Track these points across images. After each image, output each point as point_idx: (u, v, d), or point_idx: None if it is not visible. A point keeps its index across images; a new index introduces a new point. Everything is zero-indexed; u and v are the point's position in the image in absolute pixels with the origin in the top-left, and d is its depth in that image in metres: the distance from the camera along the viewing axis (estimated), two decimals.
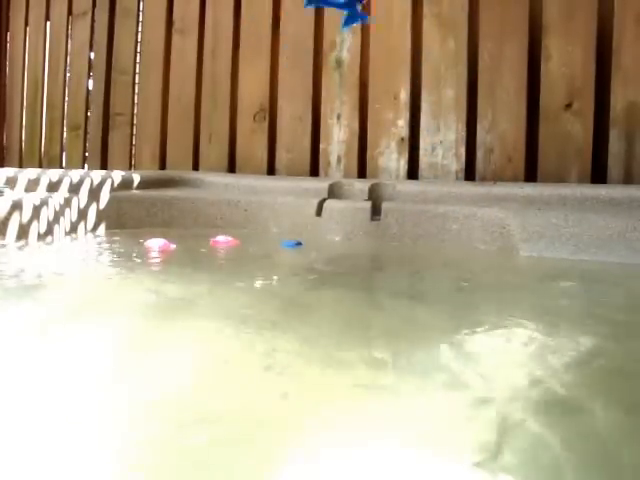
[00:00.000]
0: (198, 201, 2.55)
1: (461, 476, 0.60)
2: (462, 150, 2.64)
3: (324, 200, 2.42)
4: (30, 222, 2.01)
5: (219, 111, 3.20)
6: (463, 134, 2.64)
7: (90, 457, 0.63)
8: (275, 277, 1.69)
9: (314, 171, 2.95)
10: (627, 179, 2.34)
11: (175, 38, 3.33)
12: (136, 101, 3.47)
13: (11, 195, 2.10)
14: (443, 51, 2.68)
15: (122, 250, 2.03)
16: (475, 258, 2.02)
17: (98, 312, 1.22)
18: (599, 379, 0.88)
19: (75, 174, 2.47)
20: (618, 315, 1.28)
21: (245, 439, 0.67)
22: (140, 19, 3.48)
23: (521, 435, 0.68)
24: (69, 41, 3.71)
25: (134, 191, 2.60)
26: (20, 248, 1.92)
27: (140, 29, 3.48)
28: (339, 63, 2.91)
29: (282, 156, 3.02)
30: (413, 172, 2.74)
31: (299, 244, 2.14)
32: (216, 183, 2.77)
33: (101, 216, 2.42)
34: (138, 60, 3.47)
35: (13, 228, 1.95)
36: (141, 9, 3.47)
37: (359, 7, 1.42)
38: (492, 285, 1.62)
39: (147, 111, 3.41)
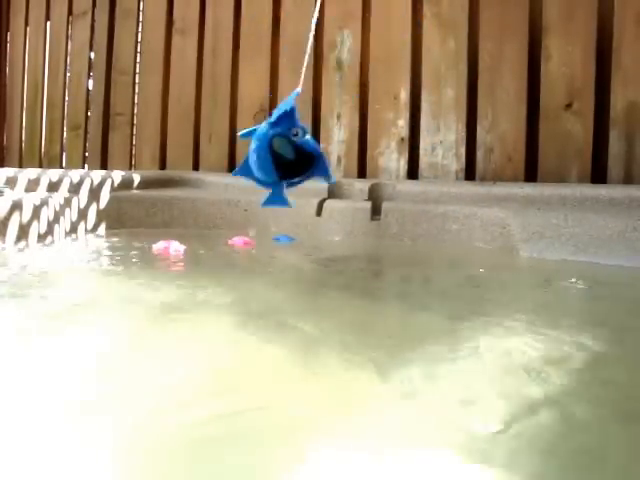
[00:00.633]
0: (198, 201, 2.55)
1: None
2: (462, 150, 2.64)
3: (324, 200, 2.42)
4: (30, 222, 2.01)
5: (219, 111, 3.20)
6: (463, 134, 2.64)
7: (98, 457, 0.63)
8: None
9: None
10: (627, 179, 2.34)
11: (175, 38, 3.33)
12: (136, 101, 3.47)
13: (11, 195, 2.10)
14: (443, 51, 2.68)
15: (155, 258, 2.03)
16: (475, 258, 2.01)
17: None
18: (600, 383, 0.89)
19: (75, 174, 2.47)
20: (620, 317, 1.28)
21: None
22: (140, 19, 3.48)
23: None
24: (69, 41, 3.71)
25: (134, 191, 2.60)
26: (21, 249, 1.92)
27: (140, 29, 3.48)
28: (339, 63, 2.91)
29: None
30: (413, 172, 2.74)
31: (291, 239, 2.19)
32: (216, 183, 2.77)
33: (101, 216, 2.42)
34: (138, 60, 3.47)
35: (13, 228, 1.95)
36: (141, 9, 3.47)
37: (285, 192, 1.35)
38: (492, 285, 1.62)
39: (147, 111, 3.41)
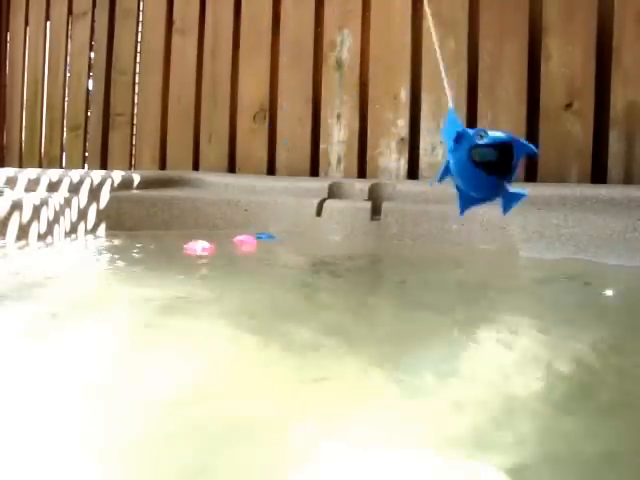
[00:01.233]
0: (198, 201, 2.55)
1: None
2: None
3: (324, 200, 2.42)
4: (30, 222, 2.01)
5: (219, 111, 3.19)
6: None
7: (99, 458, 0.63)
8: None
9: (314, 171, 2.94)
10: (627, 179, 2.34)
11: (175, 38, 3.33)
12: (136, 101, 3.47)
13: (11, 195, 2.10)
14: (443, 51, 2.67)
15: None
16: (475, 258, 2.01)
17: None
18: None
19: (75, 174, 2.47)
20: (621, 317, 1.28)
21: None
22: (140, 19, 3.48)
23: None
24: (69, 41, 3.70)
25: (134, 191, 2.59)
26: (21, 248, 1.92)
27: (140, 29, 3.47)
28: (339, 63, 2.91)
29: (282, 156, 3.02)
30: (413, 172, 2.74)
31: (271, 237, 2.25)
32: (216, 183, 2.77)
33: (101, 216, 2.41)
34: (138, 60, 3.47)
35: (13, 228, 1.95)
36: (141, 9, 3.47)
37: (510, 186, 1.24)
38: (492, 285, 1.62)
39: (147, 111, 3.41)
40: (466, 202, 1.25)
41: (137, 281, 1.56)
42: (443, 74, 1.25)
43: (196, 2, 3.26)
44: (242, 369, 0.91)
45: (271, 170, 3.04)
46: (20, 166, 3.74)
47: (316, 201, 2.40)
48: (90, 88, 3.62)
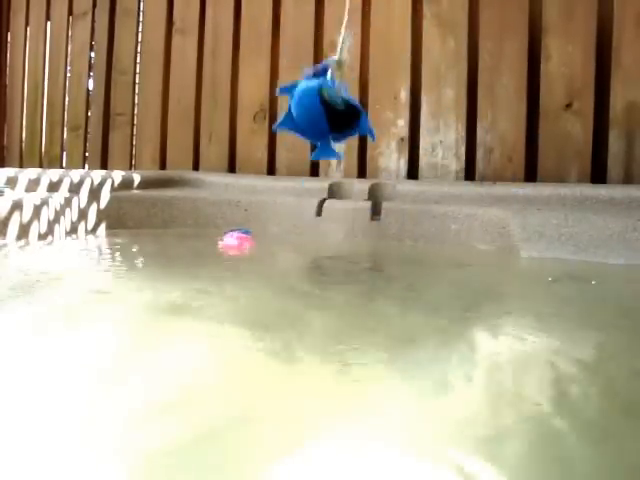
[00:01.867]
0: (198, 201, 2.55)
1: None
2: (462, 150, 2.64)
3: (324, 200, 2.42)
4: (30, 222, 2.01)
5: (219, 111, 3.20)
6: (463, 134, 2.64)
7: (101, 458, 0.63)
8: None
9: (314, 171, 2.95)
10: (627, 179, 2.34)
11: (175, 38, 3.33)
12: (136, 101, 3.47)
13: (11, 195, 2.10)
14: (443, 51, 2.68)
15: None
16: (475, 258, 2.02)
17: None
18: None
19: (75, 174, 2.47)
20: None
21: None
22: (140, 19, 3.48)
23: None
24: (69, 41, 3.71)
25: (134, 191, 2.60)
26: (22, 248, 1.92)
27: (140, 29, 3.48)
28: (339, 63, 2.91)
29: (282, 156, 3.02)
30: (413, 172, 2.74)
31: (247, 232, 2.24)
32: (216, 183, 2.77)
33: (101, 216, 2.42)
34: (138, 60, 3.47)
35: (13, 228, 1.95)
36: (141, 9, 3.47)
37: (333, 145, 1.32)
38: (492, 285, 1.63)
39: (147, 111, 3.41)
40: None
41: (138, 280, 1.56)
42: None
43: (196, 2, 3.26)
44: (247, 369, 0.91)
45: (271, 170, 3.04)
46: (20, 166, 3.75)
47: (316, 201, 2.40)
48: (90, 88, 3.62)
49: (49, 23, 3.78)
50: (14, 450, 0.64)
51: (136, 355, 0.96)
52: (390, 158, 2.77)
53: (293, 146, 2.99)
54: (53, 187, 2.38)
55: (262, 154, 3.06)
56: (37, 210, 2.04)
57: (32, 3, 3.83)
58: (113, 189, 2.51)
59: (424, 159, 2.72)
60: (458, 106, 2.65)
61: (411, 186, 2.47)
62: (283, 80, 3.02)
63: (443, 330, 1.13)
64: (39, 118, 3.79)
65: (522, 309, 1.32)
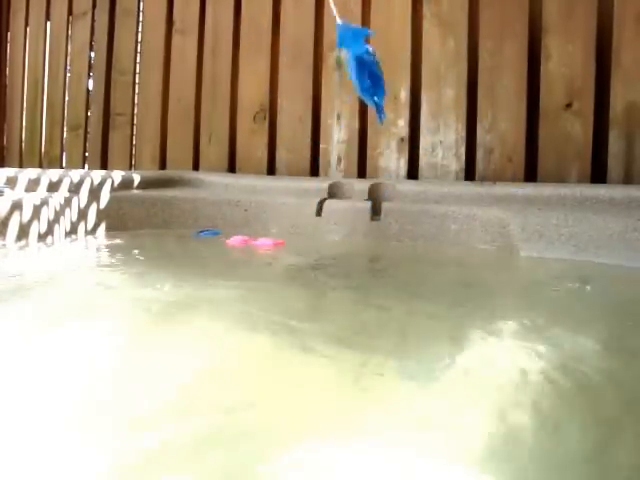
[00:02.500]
0: (198, 201, 2.55)
1: None
2: (462, 150, 2.64)
3: (324, 200, 2.42)
4: (30, 222, 2.01)
5: (219, 111, 3.20)
6: (463, 134, 2.64)
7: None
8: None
9: (314, 171, 2.95)
10: (627, 179, 2.34)
11: (175, 38, 3.33)
12: (136, 101, 3.47)
13: (11, 195, 2.10)
14: (443, 51, 2.68)
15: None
16: (475, 258, 2.02)
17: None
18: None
19: (75, 174, 2.47)
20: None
21: None
22: (140, 19, 3.48)
23: None
24: (69, 41, 3.71)
25: (134, 191, 2.60)
26: (21, 248, 1.92)
27: (140, 29, 3.48)
28: (339, 63, 2.91)
29: (282, 156, 3.02)
30: (413, 172, 2.74)
31: (216, 233, 2.30)
32: (216, 183, 2.77)
33: (101, 216, 2.42)
34: (138, 60, 3.47)
35: (13, 228, 1.95)
36: (141, 9, 3.48)
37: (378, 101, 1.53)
38: (492, 285, 1.63)
39: (147, 111, 3.41)
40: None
41: (141, 279, 1.56)
42: None
43: (196, 2, 3.26)
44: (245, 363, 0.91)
45: (271, 170, 3.04)
46: (20, 166, 3.75)
47: (316, 201, 2.40)
48: (90, 88, 3.62)
49: (49, 23, 3.78)
50: (14, 450, 0.64)
51: (149, 353, 0.96)
52: (390, 158, 2.77)
53: (293, 146, 2.99)
54: (53, 187, 2.38)
55: (262, 154, 3.06)
56: (37, 210, 2.04)
57: (32, 3, 3.83)
58: (113, 189, 2.51)
59: (424, 159, 2.72)
60: (458, 106, 2.65)
61: (411, 186, 2.47)
62: (283, 80, 3.03)
63: (440, 327, 1.13)
64: (39, 118, 3.79)
65: (522, 309, 1.32)
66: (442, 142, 2.68)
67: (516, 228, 2.00)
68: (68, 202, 2.25)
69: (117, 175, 2.59)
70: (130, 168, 3.44)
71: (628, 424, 0.73)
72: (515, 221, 2.01)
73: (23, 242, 1.97)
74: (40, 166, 3.72)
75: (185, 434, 0.67)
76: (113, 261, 1.88)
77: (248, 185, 2.69)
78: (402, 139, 2.76)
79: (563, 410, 0.77)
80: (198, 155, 3.25)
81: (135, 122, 3.47)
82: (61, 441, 0.66)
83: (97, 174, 2.56)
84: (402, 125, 2.76)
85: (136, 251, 1.97)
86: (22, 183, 2.39)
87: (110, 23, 3.54)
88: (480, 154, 2.61)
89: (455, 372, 0.89)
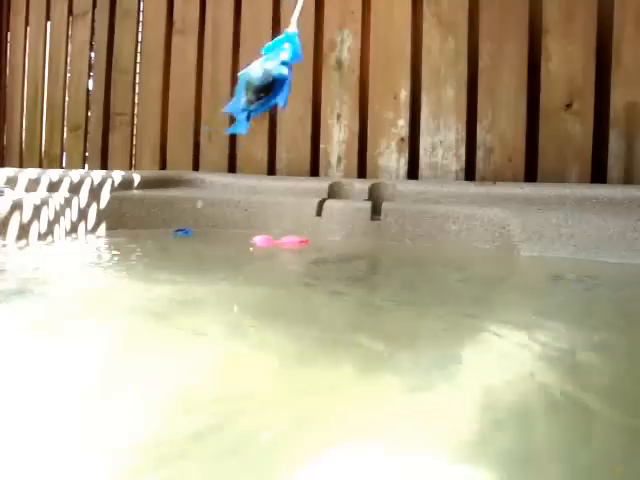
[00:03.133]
0: (198, 201, 2.55)
1: None
2: (462, 150, 2.64)
3: (324, 200, 2.42)
4: (30, 222, 2.01)
5: (219, 111, 3.19)
6: (463, 134, 2.64)
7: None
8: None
9: (314, 171, 2.95)
10: (627, 179, 2.34)
11: (175, 38, 3.33)
12: (136, 101, 3.47)
13: (11, 195, 2.10)
14: (443, 51, 2.69)
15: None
16: (475, 258, 2.02)
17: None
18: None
19: (75, 174, 2.48)
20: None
21: None
22: (140, 19, 3.48)
23: None
24: (69, 41, 3.71)
25: (134, 191, 2.60)
26: (21, 248, 1.92)
27: (140, 29, 3.48)
28: (339, 63, 2.91)
29: (282, 156, 3.02)
30: (413, 172, 2.74)
31: (188, 232, 2.35)
32: (216, 183, 2.77)
33: (101, 216, 2.42)
34: (138, 60, 3.47)
35: (14, 228, 1.95)
36: (141, 9, 3.48)
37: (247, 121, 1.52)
38: (493, 285, 1.63)
39: (147, 111, 3.41)
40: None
41: (142, 279, 1.56)
42: None
43: (196, 2, 3.26)
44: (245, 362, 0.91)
45: (271, 170, 3.04)
46: (20, 166, 3.75)
47: (316, 201, 2.40)
48: (90, 88, 3.62)
49: (49, 23, 3.78)
50: (13, 450, 0.64)
51: (151, 352, 0.96)
52: (390, 158, 2.77)
53: (293, 146, 3.00)
54: (53, 187, 2.39)
55: (262, 154, 3.06)
56: (37, 210, 2.04)
57: (32, 3, 3.83)
58: (113, 189, 2.52)
59: (424, 159, 2.72)
60: (458, 106, 2.65)
61: (411, 186, 2.47)
62: None
63: (439, 328, 1.13)
64: (39, 118, 3.79)
65: (520, 309, 1.32)
66: (442, 142, 2.68)
67: (516, 228, 2.00)
68: (68, 202, 2.25)
69: (117, 175, 2.59)
70: (130, 168, 3.44)
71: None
72: (515, 221, 2.01)
73: (23, 242, 1.97)
74: (40, 166, 3.72)
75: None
76: (112, 260, 1.88)
77: (248, 185, 2.69)
78: (402, 139, 2.76)
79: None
80: (198, 155, 3.25)
81: (135, 122, 3.47)
82: (60, 441, 0.67)
83: (97, 174, 2.56)
84: (402, 125, 2.76)
85: (157, 253, 1.97)
86: (22, 183, 2.39)
87: (110, 23, 3.54)
88: (480, 154, 2.61)
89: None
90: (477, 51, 2.61)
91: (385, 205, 2.31)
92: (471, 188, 2.34)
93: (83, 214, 2.34)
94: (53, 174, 2.45)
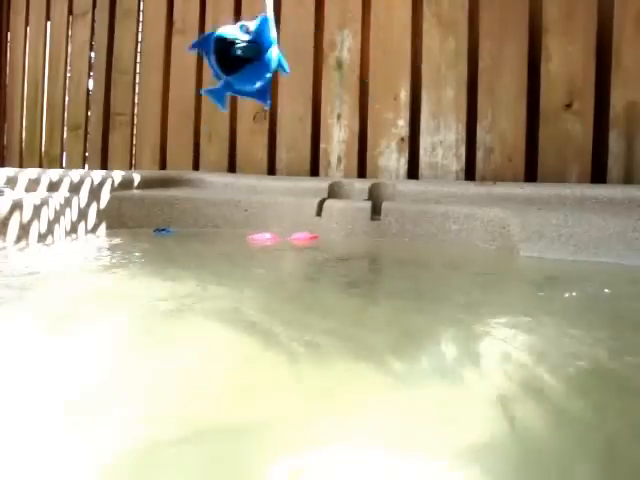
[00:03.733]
0: (198, 201, 2.55)
1: None
2: (462, 150, 2.64)
3: (324, 200, 2.42)
4: (30, 222, 2.01)
5: (219, 111, 3.19)
6: (463, 134, 2.64)
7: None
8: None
9: (314, 171, 2.95)
10: (627, 179, 2.34)
11: (175, 38, 3.33)
12: (136, 101, 3.47)
13: (11, 195, 2.10)
14: (443, 51, 2.69)
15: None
16: (475, 258, 2.01)
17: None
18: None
19: (75, 174, 2.47)
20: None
21: None
22: (140, 19, 3.48)
23: None
24: (69, 41, 3.71)
25: (134, 191, 2.60)
26: (21, 249, 1.92)
27: (140, 29, 3.48)
28: (339, 63, 2.91)
29: (282, 156, 3.02)
30: (413, 172, 2.74)
31: (168, 231, 2.37)
32: (216, 183, 2.77)
33: (101, 216, 2.42)
34: (138, 60, 3.47)
35: (14, 228, 1.95)
36: (141, 9, 3.48)
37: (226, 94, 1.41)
38: (492, 285, 1.63)
39: (147, 111, 3.41)
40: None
41: (143, 279, 1.56)
42: None
43: (196, 2, 3.26)
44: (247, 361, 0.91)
45: (271, 170, 3.04)
46: (20, 166, 3.75)
47: (316, 201, 2.40)
48: (90, 88, 3.62)
49: (49, 23, 3.78)
50: (13, 450, 0.64)
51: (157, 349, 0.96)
52: (390, 158, 2.77)
53: (293, 146, 3.00)
54: (53, 187, 2.38)
55: (262, 154, 3.06)
56: (37, 210, 2.04)
57: (32, 3, 3.83)
58: (113, 189, 2.51)
59: (424, 159, 2.72)
60: (458, 106, 2.65)
61: (411, 186, 2.47)
62: (283, 80, 3.02)
63: (447, 328, 1.13)
64: (39, 118, 3.79)
65: (520, 309, 1.32)
66: (442, 142, 2.68)
67: (516, 228, 2.00)
68: (68, 202, 2.25)
69: (117, 175, 2.59)
70: (130, 168, 3.44)
71: None
72: (515, 221, 2.01)
73: (23, 242, 1.97)
74: (40, 166, 3.72)
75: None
76: (113, 261, 1.88)
77: (248, 185, 2.69)
78: (402, 139, 2.76)
79: None
80: (198, 155, 3.25)
81: (135, 122, 3.47)
82: (60, 440, 0.67)
83: (97, 174, 2.56)
84: (402, 125, 2.76)
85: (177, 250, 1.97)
86: (22, 183, 2.39)
87: (110, 23, 3.54)
88: (480, 154, 2.61)
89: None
90: (477, 51, 2.61)
91: (385, 205, 2.31)
92: (471, 188, 2.34)
93: (83, 214, 2.34)
94: (53, 174, 2.45)
